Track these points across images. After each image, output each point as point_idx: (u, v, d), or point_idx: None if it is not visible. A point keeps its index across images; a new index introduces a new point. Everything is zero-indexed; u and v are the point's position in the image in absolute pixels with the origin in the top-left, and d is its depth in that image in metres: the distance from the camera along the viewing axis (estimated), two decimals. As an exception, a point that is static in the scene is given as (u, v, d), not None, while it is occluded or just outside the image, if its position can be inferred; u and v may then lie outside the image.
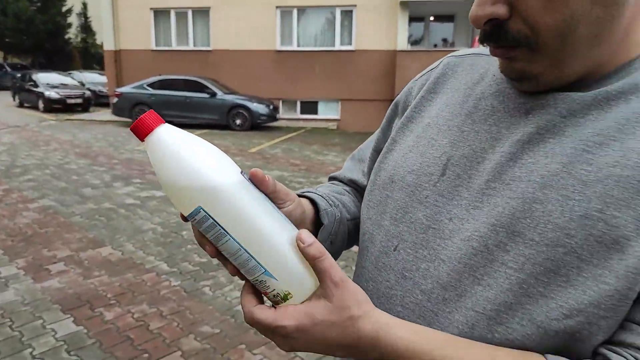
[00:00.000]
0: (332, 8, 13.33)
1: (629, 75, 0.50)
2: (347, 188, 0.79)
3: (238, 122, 11.93)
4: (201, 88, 12.05)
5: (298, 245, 0.49)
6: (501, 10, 0.48)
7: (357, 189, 0.79)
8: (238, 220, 0.48)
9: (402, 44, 12.82)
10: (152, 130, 0.47)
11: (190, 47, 14.21)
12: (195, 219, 0.48)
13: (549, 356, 0.46)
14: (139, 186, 6.15)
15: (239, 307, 3.06)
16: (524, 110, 0.54)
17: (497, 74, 0.60)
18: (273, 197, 0.54)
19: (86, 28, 34.21)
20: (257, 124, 12.09)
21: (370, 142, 0.79)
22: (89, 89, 17.86)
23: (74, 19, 33.33)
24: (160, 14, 14.20)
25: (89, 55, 34.06)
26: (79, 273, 3.51)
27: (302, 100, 13.97)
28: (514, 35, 0.49)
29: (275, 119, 12.48)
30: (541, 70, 0.50)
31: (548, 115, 0.52)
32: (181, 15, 14.10)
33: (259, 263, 0.49)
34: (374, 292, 0.59)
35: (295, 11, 13.49)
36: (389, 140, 0.69)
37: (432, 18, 14.69)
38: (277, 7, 13.40)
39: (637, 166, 0.46)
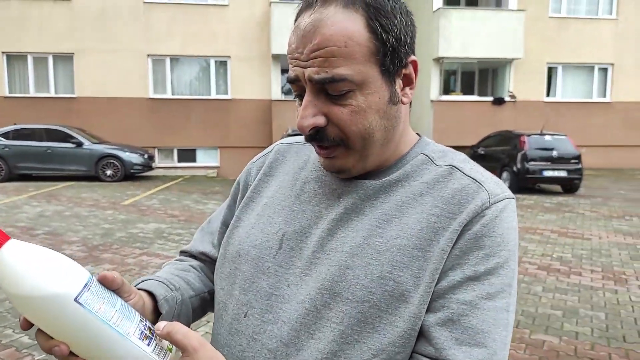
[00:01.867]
0: (206, 58, 13.51)
1: (404, 167, 0.71)
2: (195, 263, 0.86)
3: (109, 172, 11.26)
4: (65, 137, 11.21)
5: (156, 333, 0.56)
6: (320, 120, 0.64)
7: (209, 260, 0.86)
8: (75, 327, 0.52)
9: (276, 93, 13.40)
10: None
11: (52, 94, 13.22)
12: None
13: None
14: (-9, 250, 5.48)
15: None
16: (337, 195, 0.71)
17: (316, 163, 0.77)
18: (120, 291, 0.60)
19: None
20: (131, 174, 11.51)
21: (218, 216, 0.88)
22: None
23: None
24: (14, 58, 13.06)
25: None
26: None
27: (180, 148, 13.70)
28: (333, 138, 0.65)
29: (151, 168, 12.03)
30: (353, 163, 0.68)
31: (352, 199, 0.69)
32: (40, 60, 13.12)
33: None
34: (229, 356, 0.68)
35: (168, 60, 13.39)
36: (234, 217, 0.80)
37: (303, 69, 15.60)
38: (148, 55, 13.19)
39: (410, 237, 0.64)
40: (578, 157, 9.94)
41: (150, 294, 0.70)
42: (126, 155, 11.34)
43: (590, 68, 14.86)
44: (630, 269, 4.86)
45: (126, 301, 0.60)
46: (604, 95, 14.99)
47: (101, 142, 11.75)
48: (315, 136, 0.66)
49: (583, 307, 3.86)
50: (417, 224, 0.65)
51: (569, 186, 10.14)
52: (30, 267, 0.51)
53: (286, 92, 15.10)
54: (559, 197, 9.71)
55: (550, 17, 14.36)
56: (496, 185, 0.68)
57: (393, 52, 0.64)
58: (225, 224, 0.85)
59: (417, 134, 0.77)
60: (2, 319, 3.64)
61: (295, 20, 0.66)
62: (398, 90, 0.67)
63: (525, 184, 10.00)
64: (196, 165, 13.76)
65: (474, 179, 0.68)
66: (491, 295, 0.61)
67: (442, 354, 0.59)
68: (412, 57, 0.68)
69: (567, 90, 14.90)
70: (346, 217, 0.68)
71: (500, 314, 0.61)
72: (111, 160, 11.26)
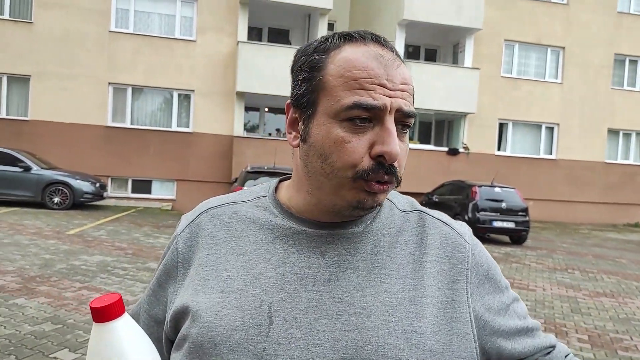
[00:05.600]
0: (170, 90, 13.45)
1: (377, 214, 0.70)
2: None
3: (56, 200, 10.78)
4: (13, 161, 10.70)
5: None
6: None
7: None
8: None
9: (239, 130, 13.43)
10: (114, 318, 0.54)
11: (2, 115, 12.70)
12: None
13: None
14: None
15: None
16: (320, 252, 0.65)
17: (273, 220, 0.69)
18: None
19: None
20: (80, 203, 11.06)
21: (139, 307, 0.77)
22: None
23: None
24: (-34, 75, 12.55)
25: None
26: None
27: (135, 178, 13.34)
28: (396, 173, 0.64)
29: (102, 198, 11.61)
30: (382, 201, 0.66)
31: (340, 254, 0.65)
32: (-6, 80, 12.67)
33: None
34: None
35: (129, 89, 13.24)
36: (189, 302, 0.65)
37: (266, 109, 15.81)
38: (109, 83, 13.00)
39: (414, 288, 0.64)
40: (525, 210, 10.39)
41: None
42: (76, 183, 10.92)
43: (538, 126, 15.80)
44: (570, 322, 5.03)
45: None
46: (550, 153, 15.91)
47: (51, 167, 11.29)
48: (390, 169, 0.63)
49: (525, 358, 3.94)
50: (414, 273, 0.66)
51: (517, 237, 10.53)
52: (134, 349, 0.54)
53: (248, 129, 15.17)
54: (507, 247, 10.04)
55: (502, 76, 15.30)
56: (459, 225, 0.75)
57: None
58: (151, 315, 0.74)
59: None
60: None
61: (342, 45, 0.64)
62: None
63: (475, 233, 10.14)
64: (151, 197, 13.40)
65: (443, 221, 0.74)
66: (514, 298, 0.75)
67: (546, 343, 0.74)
68: None
69: (517, 145, 15.73)
70: (342, 275, 0.64)
71: (519, 300, 0.76)
72: (60, 187, 10.80)
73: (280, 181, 0.77)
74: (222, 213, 0.73)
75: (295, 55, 0.69)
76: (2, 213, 9.74)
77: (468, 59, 14.83)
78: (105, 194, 11.73)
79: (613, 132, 16.19)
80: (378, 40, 0.65)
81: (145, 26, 13.32)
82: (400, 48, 14.49)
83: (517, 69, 15.57)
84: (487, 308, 0.68)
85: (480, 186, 10.54)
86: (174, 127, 13.48)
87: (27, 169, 10.70)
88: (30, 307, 4.24)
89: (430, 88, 13.97)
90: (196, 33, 13.38)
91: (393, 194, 0.75)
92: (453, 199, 11.08)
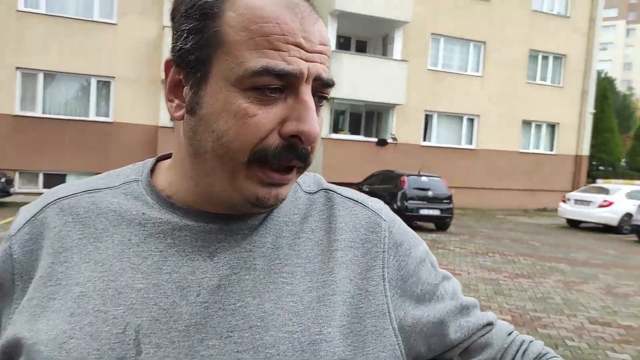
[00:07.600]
0: (87, 77, 12.53)
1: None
2: None
3: (-45, 196, 9.69)
4: None
5: None
6: None
7: None
8: None
9: (165, 120, 12.80)
10: None
11: None
12: None
13: None
14: None
15: None
16: (208, 253, 0.52)
17: (147, 212, 0.54)
18: None
19: None
20: (-17, 199, 10.03)
21: None
22: None
23: None
24: None
25: None
26: None
27: (47, 172, 12.32)
28: (309, 158, 0.52)
29: (9, 194, 10.59)
30: (286, 195, 0.54)
31: (234, 254, 0.52)
32: None
33: None
34: None
35: (41, 75, 12.15)
36: (24, 334, 0.49)
37: (194, 97, 15.24)
38: (17, 67, 11.85)
39: (323, 285, 0.53)
40: (450, 198, 10.88)
41: None
42: (-21, 178, 9.88)
43: (460, 118, 16.59)
44: (495, 303, 5.31)
45: None
46: (471, 143, 16.78)
47: (-53, 160, 10.12)
48: (306, 153, 0.51)
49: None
50: (323, 266, 0.55)
51: (441, 224, 11.01)
52: None
53: (175, 119, 14.53)
54: (433, 234, 10.47)
55: (428, 69, 15.86)
56: (374, 202, 0.65)
57: None
58: None
59: None
60: None
61: None
62: None
63: (404, 221, 10.59)
64: (67, 192, 12.46)
65: (355, 200, 0.63)
66: (443, 276, 0.67)
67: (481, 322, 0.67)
68: None
69: (441, 136, 16.43)
70: (235, 279, 0.51)
71: (449, 279, 0.69)
72: (-41, 183, 9.72)
73: (158, 160, 0.61)
74: (77, 205, 0.55)
75: None
76: None
77: (397, 51, 15.19)
78: (12, 190, 10.72)
79: (526, 123, 17.38)
80: None
81: (59, 6, 12.26)
82: (332, 38, 14.45)
83: (442, 62, 16.20)
84: (409, 295, 0.59)
85: (408, 175, 10.88)
86: (92, 117, 12.59)
87: None
88: None
89: (361, 79, 14.16)
90: (117, 16, 12.53)
91: None
92: (383, 188, 11.33)
